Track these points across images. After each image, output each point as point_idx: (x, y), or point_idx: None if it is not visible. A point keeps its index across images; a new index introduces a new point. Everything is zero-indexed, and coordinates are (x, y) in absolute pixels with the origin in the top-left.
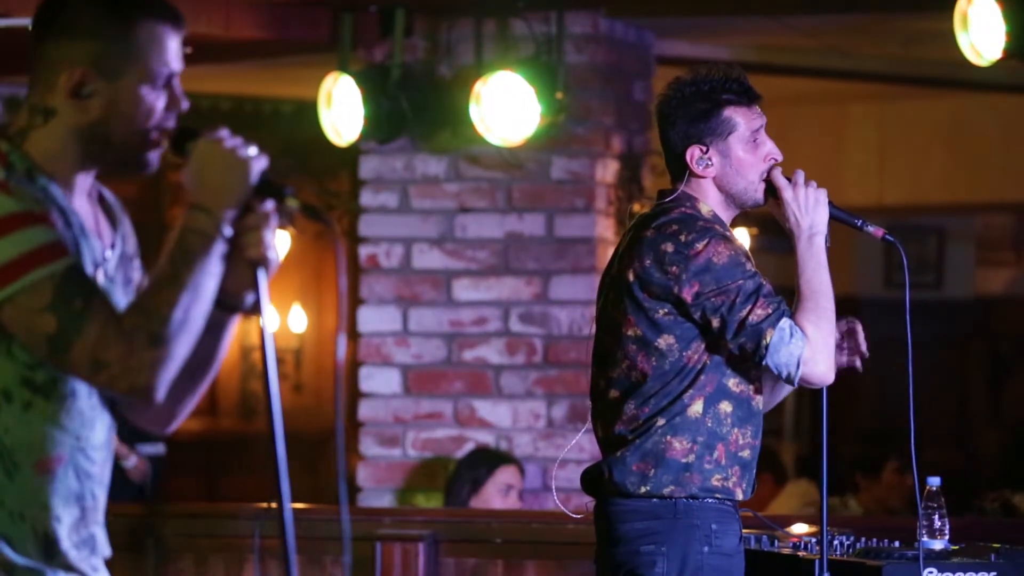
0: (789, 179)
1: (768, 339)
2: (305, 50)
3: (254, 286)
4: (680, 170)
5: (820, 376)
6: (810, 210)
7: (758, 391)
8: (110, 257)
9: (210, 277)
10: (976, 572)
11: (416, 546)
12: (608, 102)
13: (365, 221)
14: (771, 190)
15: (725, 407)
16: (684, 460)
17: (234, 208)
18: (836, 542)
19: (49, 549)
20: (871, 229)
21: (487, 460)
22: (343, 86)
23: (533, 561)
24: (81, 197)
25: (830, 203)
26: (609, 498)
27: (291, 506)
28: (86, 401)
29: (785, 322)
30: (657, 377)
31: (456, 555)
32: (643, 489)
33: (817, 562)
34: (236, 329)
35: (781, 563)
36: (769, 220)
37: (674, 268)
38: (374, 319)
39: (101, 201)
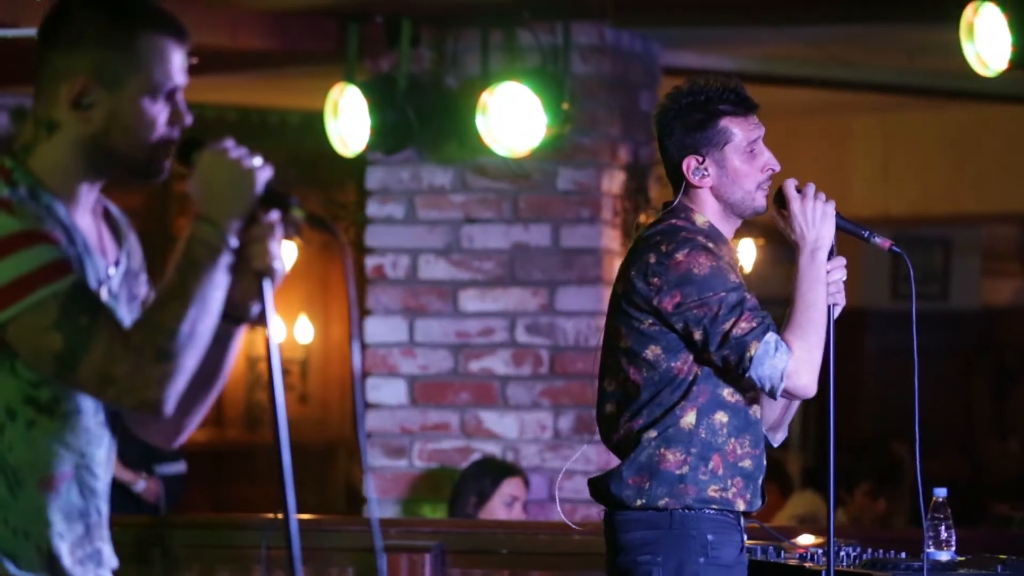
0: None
1: (752, 351)
2: (311, 61)
3: (260, 297)
4: (678, 180)
5: (803, 389)
6: (816, 224)
7: (755, 400)
8: (114, 274)
9: (217, 289)
10: None
11: (423, 557)
12: (614, 113)
13: (371, 232)
14: (779, 200)
15: (720, 417)
16: (678, 472)
17: (239, 219)
18: (842, 553)
19: (52, 566)
20: (878, 240)
21: (492, 472)
22: (349, 97)
23: (539, 572)
24: (85, 214)
25: (837, 214)
26: (612, 508)
27: (297, 516)
28: (92, 418)
29: (770, 336)
30: (648, 389)
31: (462, 566)
32: (639, 502)
33: (824, 573)
34: (242, 340)
35: (787, 574)
36: (776, 230)
37: (655, 279)
38: (380, 330)
39: (107, 216)
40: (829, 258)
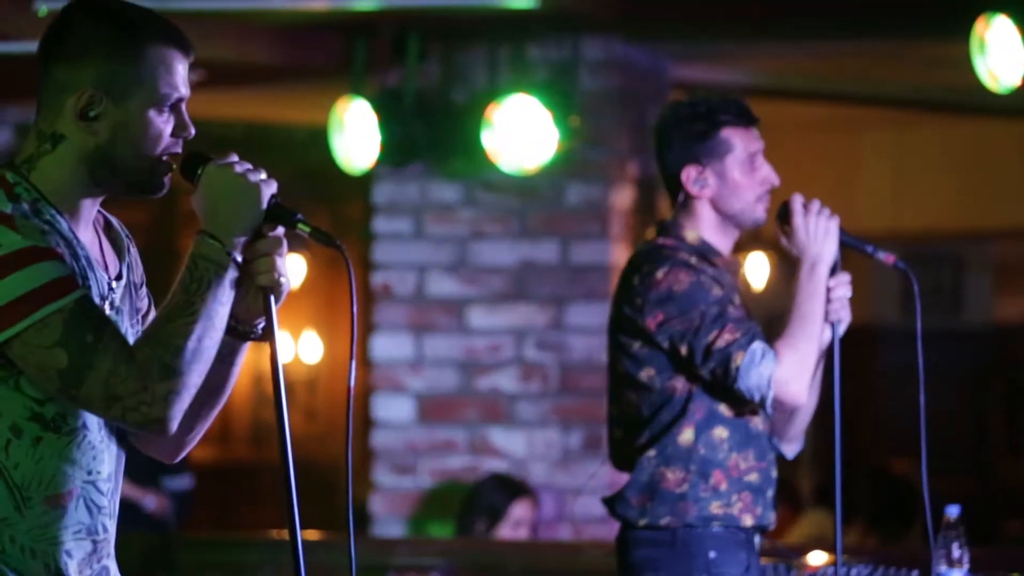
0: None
1: (737, 362)
2: (318, 75)
3: (265, 312)
4: (676, 192)
5: (792, 397)
6: (818, 239)
7: (755, 412)
8: (116, 288)
9: (222, 305)
10: None
11: None
12: (623, 127)
13: (378, 248)
14: (783, 215)
15: (719, 433)
16: (678, 491)
17: (244, 234)
18: (854, 572)
19: None
20: (882, 256)
21: (503, 492)
22: (356, 111)
23: None
24: (87, 228)
25: (841, 230)
26: (621, 527)
27: (303, 535)
28: (96, 434)
29: (756, 345)
30: (646, 410)
31: None
32: (642, 522)
33: None
34: (248, 357)
35: None
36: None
37: (638, 300)
38: (387, 347)
39: (108, 229)
40: (834, 274)
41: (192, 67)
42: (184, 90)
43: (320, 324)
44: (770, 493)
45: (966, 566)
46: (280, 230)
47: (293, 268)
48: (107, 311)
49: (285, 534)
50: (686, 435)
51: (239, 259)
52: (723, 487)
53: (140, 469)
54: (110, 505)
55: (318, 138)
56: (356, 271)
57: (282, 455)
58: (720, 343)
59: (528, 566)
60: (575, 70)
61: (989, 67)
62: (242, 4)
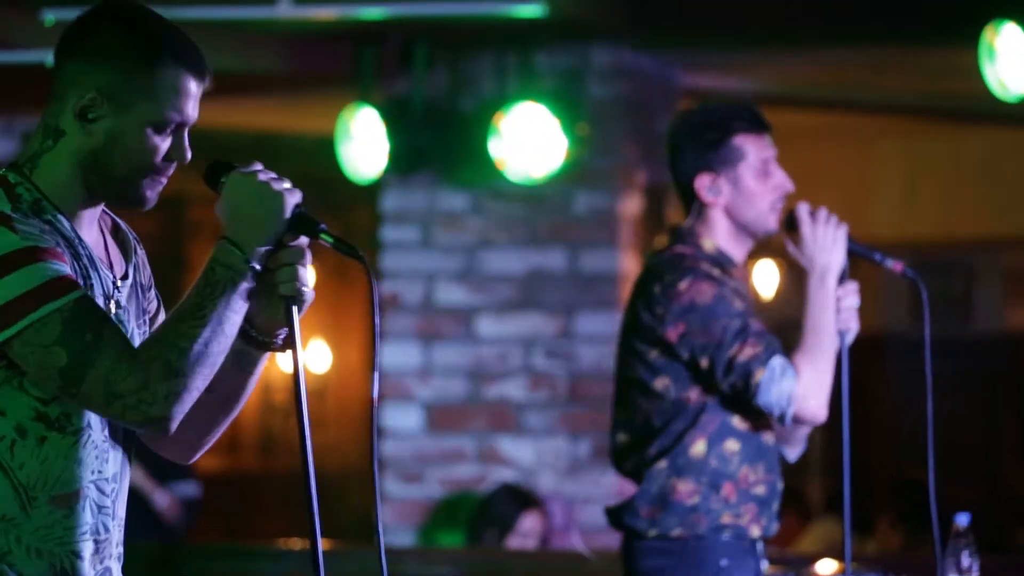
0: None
1: (758, 377)
2: (326, 84)
3: (287, 322)
4: (689, 200)
5: (812, 413)
6: (826, 249)
7: (766, 426)
8: (122, 287)
9: (234, 312)
10: None
11: None
12: (632, 136)
13: (386, 256)
14: (791, 224)
15: (731, 445)
16: (689, 502)
17: (266, 243)
18: None
19: None
20: (891, 264)
21: (511, 504)
22: (364, 120)
23: None
24: (91, 227)
25: (849, 238)
26: (627, 537)
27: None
28: (100, 434)
29: (776, 360)
30: (658, 419)
31: None
32: (652, 532)
33: None
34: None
35: None
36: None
37: (659, 309)
38: (396, 355)
39: (115, 232)
40: (842, 282)
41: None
42: (190, 115)
43: (328, 333)
44: (775, 505)
45: (976, 575)
46: (303, 240)
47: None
48: (112, 309)
49: (292, 543)
50: (698, 447)
51: (258, 268)
52: (733, 499)
53: (154, 462)
54: (113, 506)
55: (326, 147)
56: (364, 280)
57: (303, 466)
58: (742, 358)
59: (537, 574)
60: (583, 78)
61: (998, 75)
62: (250, 13)
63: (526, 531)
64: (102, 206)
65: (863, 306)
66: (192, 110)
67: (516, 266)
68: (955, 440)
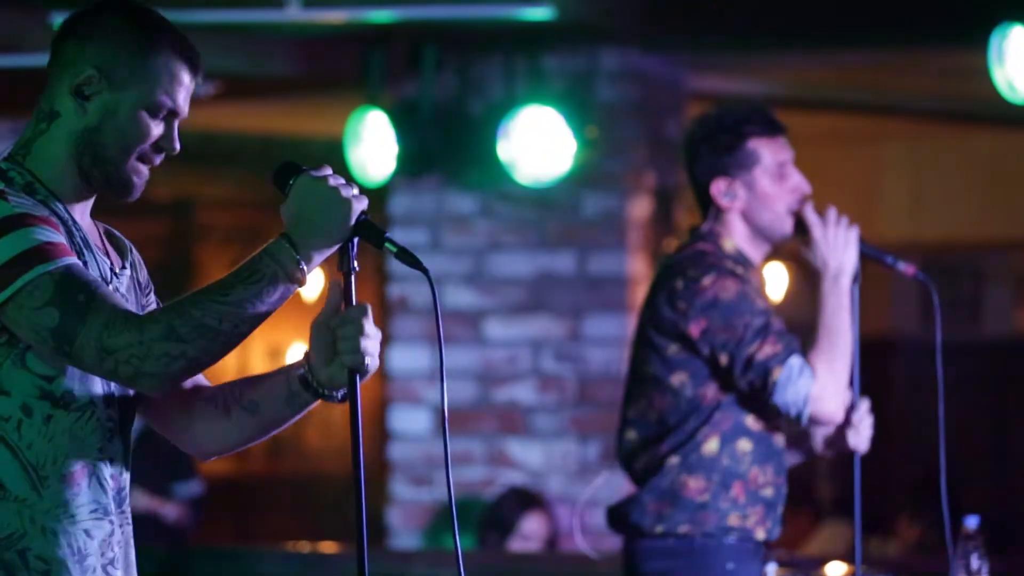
0: (821, 215)
1: (776, 376)
2: (334, 87)
3: (349, 391)
4: (706, 205)
5: (829, 414)
6: (839, 250)
7: (778, 428)
8: (121, 276)
9: (263, 303)
10: None
11: None
12: (640, 138)
13: (395, 259)
14: (801, 227)
15: (744, 445)
16: (699, 500)
17: (326, 247)
18: None
19: (82, 564)
20: (902, 267)
21: (514, 506)
22: (373, 123)
23: None
24: (84, 216)
25: (861, 241)
26: (631, 537)
27: (321, 547)
28: (103, 412)
29: (794, 360)
30: (673, 416)
31: None
32: (659, 528)
33: None
34: (266, 369)
35: None
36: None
37: (682, 305)
38: (404, 359)
39: (109, 236)
40: (855, 283)
41: (209, 79)
42: (182, 106)
43: None
44: (780, 509)
45: None
46: (366, 308)
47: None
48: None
49: (300, 546)
50: (711, 444)
51: (306, 270)
52: (741, 499)
53: (151, 476)
54: (118, 484)
55: (335, 149)
56: (372, 282)
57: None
58: (761, 356)
59: None
60: (592, 81)
61: (1007, 77)
62: (259, 17)
63: (528, 533)
64: (92, 199)
65: (872, 308)
66: (184, 101)
67: (525, 269)
68: (964, 444)
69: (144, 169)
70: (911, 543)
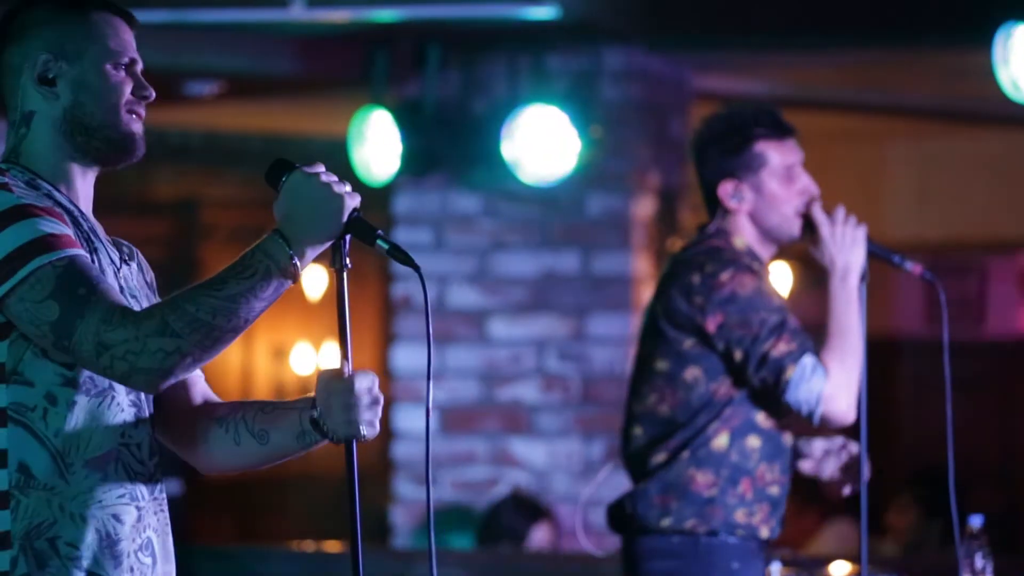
0: (829, 214)
1: (789, 374)
2: (338, 86)
3: (347, 460)
4: (714, 207)
5: (841, 414)
6: (847, 249)
7: (787, 426)
8: (131, 266)
9: (257, 299)
10: None
11: None
12: (645, 138)
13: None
14: (809, 226)
15: (753, 442)
16: (707, 494)
17: (319, 243)
18: None
19: (113, 550)
20: (909, 266)
21: (522, 516)
22: (376, 122)
23: None
24: (88, 207)
25: (868, 240)
26: (633, 536)
27: (323, 546)
28: (124, 397)
29: (807, 358)
30: (683, 410)
31: None
32: (664, 522)
33: None
34: (269, 370)
35: None
36: (810, 255)
37: (698, 299)
38: (407, 358)
39: (115, 244)
40: (863, 282)
41: (213, 78)
42: (135, 53)
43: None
44: (783, 508)
45: None
46: (365, 376)
47: (312, 279)
48: (119, 283)
49: (305, 545)
50: (721, 440)
51: (299, 265)
52: (749, 496)
53: None
54: (147, 470)
55: (338, 149)
56: (376, 282)
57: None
58: (775, 353)
59: None
60: (596, 80)
61: (1012, 77)
62: (263, 16)
63: (537, 543)
64: (92, 193)
65: (877, 308)
66: (133, 49)
67: (529, 268)
68: (969, 444)
69: (137, 121)
70: (902, 531)
